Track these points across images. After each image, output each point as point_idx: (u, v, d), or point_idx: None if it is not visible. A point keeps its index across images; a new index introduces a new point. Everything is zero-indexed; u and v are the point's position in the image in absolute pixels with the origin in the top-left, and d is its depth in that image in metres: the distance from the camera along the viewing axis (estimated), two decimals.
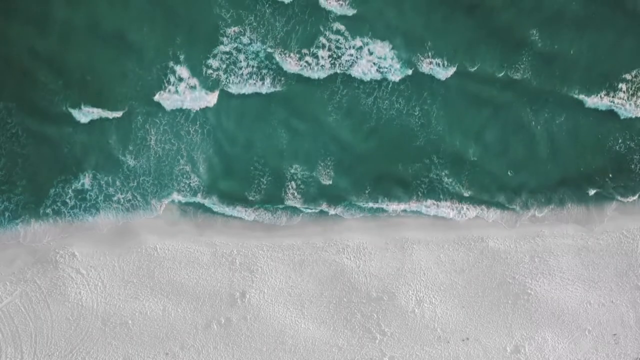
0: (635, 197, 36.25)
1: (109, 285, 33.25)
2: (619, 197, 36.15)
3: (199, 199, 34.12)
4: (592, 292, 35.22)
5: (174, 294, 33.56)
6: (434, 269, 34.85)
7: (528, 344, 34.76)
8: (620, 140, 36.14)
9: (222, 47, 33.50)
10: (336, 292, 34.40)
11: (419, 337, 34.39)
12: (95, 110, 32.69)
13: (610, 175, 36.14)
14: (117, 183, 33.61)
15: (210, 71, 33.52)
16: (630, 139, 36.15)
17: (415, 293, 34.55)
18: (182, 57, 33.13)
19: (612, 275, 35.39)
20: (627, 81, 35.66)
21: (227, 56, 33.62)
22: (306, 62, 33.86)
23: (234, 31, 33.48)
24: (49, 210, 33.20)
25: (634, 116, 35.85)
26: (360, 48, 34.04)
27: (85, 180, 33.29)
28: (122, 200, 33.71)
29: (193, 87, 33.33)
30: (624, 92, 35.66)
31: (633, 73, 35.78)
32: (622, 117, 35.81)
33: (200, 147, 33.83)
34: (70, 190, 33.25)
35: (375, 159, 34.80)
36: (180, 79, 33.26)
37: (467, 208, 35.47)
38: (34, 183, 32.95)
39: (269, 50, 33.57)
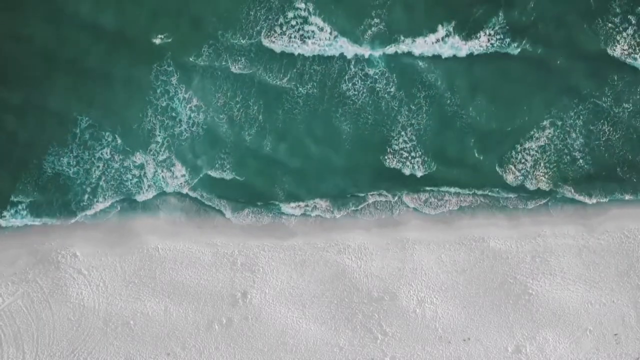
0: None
1: (110, 286, 33.27)
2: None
3: (196, 194, 34.33)
4: (593, 292, 35.18)
5: (175, 294, 33.56)
6: (435, 269, 34.84)
7: (529, 344, 34.72)
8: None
9: None
10: (337, 292, 34.40)
11: (420, 337, 34.36)
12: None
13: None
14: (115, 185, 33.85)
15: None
16: None
17: (416, 293, 34.54)
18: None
19: (613, 275, 35.34)
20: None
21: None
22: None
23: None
24: (48, 211, 33.32)
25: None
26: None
27: (86, 183, 33.46)
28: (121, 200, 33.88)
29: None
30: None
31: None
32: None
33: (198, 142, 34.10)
34: (68, 189, 33.43)
35: (369, 154, 35.06)
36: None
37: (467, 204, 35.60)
38: (32, 184, 33.19)
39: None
